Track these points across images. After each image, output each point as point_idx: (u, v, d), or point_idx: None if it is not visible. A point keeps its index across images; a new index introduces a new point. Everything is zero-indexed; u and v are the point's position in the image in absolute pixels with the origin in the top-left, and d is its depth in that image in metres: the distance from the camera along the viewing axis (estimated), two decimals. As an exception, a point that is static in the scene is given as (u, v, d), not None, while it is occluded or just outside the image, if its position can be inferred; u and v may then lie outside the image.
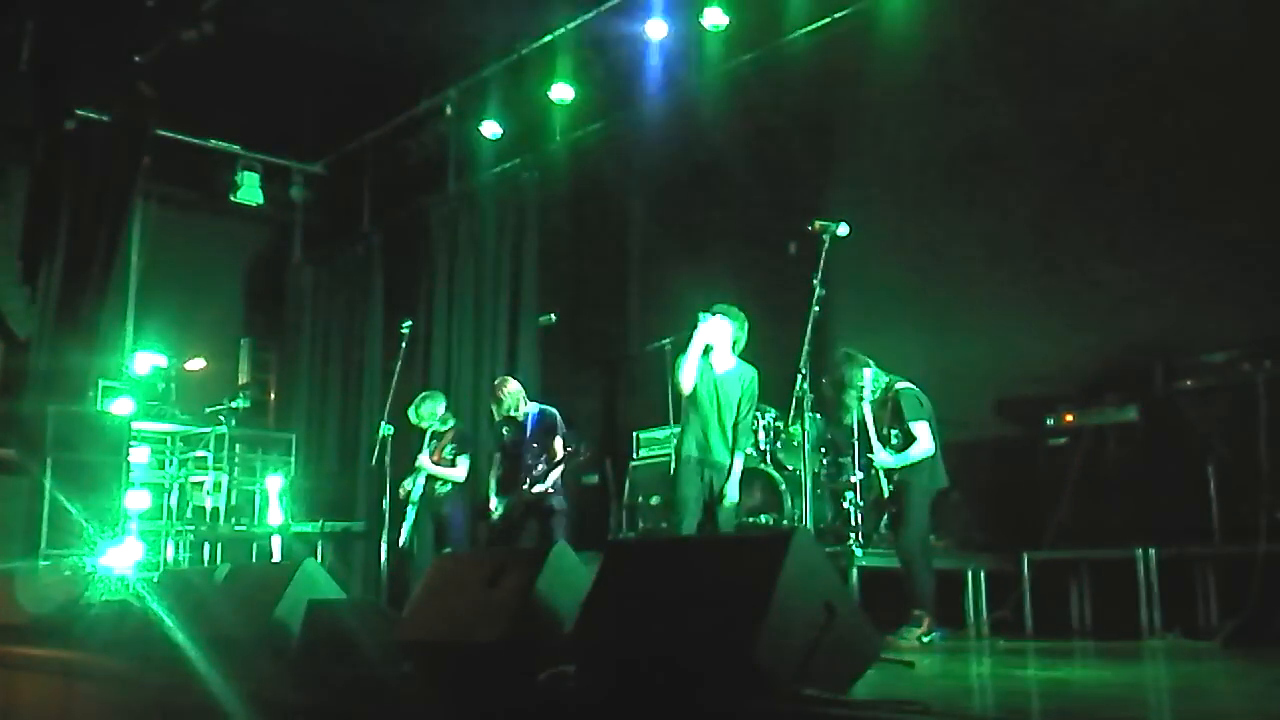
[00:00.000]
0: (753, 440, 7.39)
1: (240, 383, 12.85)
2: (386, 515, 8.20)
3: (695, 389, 6.42)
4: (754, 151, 8.89)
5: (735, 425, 6.40)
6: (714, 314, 6.44)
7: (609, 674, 3.27)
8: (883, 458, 6.30)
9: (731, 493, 6.35)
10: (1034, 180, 7.30)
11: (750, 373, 6.51)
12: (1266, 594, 5.54)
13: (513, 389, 8.06)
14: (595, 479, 8.93)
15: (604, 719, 3.05)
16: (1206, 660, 5.28)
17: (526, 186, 10.84)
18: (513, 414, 7.98)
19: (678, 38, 9.37)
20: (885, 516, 6.55)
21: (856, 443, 6.44)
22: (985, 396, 7.38)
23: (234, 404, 11.00)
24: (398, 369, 8.66)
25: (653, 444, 8.48)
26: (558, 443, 7.83)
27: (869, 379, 6.34)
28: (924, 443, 6.22)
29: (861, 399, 6.31)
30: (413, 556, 8.23)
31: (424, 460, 8.39)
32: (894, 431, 6.35)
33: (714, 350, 6.46)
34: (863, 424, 6.37)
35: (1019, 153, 7.34)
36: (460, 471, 8.41)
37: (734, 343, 6.49)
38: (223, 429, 11.03)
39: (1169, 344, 6.53)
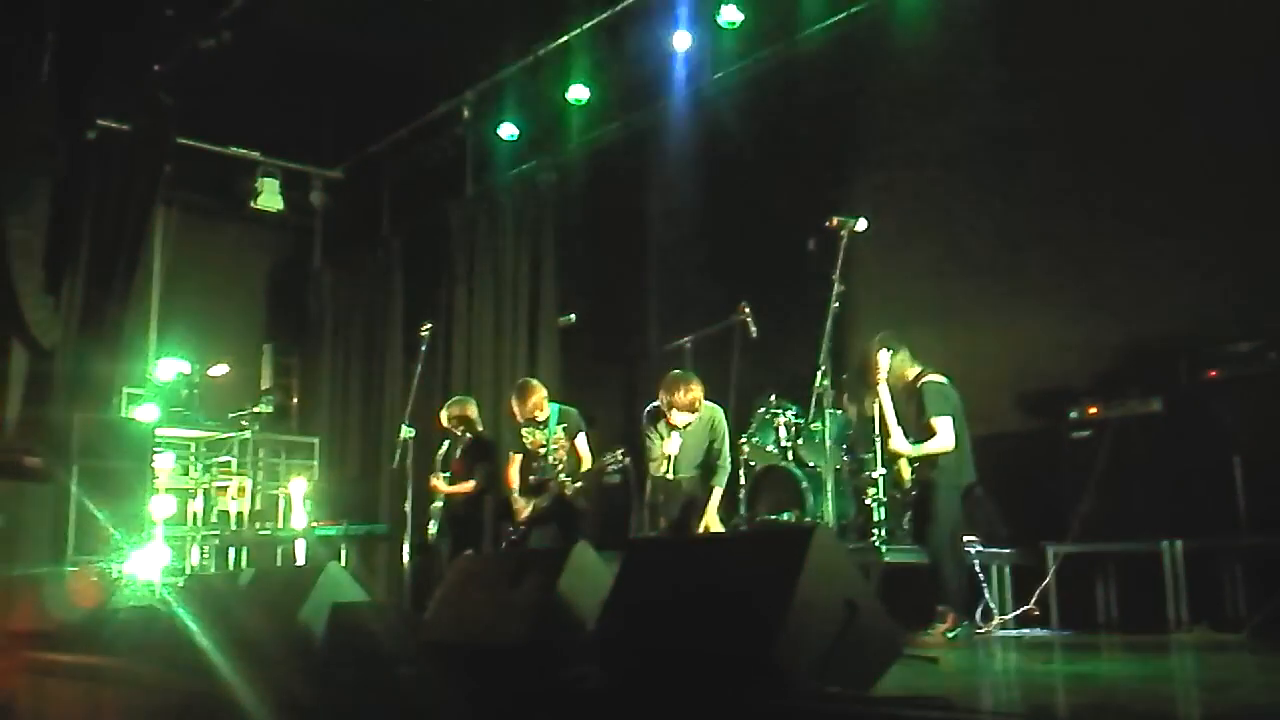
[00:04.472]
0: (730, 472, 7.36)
1: (263, 388, 12.89)
2: (409, 518, 8.22)
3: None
4: (772, 149, 8.87)
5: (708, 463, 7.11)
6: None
7: (631, 673, 3.27)
8: (899, 443, 6.27)
9: (712, 524, 6.97)
10: (1055, 171, 7.25)
11: (714, 415, 7.15)
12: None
13: (535, 390, 8.05)
14: (617, 478, 8.92)
15: (626, 719, 3.04)
16: (1234, 653, 5.23)
17: (545, 188, 10.85)
18: (535, 415, 7.98)
19: (694, 35, 9.35)
20: (908, 513, 6.52)
21: (878, 436, 6.41)
22: (1008, 389, 7.33)
23: (257, 409, 11.03)
24: (419, 372, 8.70)
25: (674, 443, 8.46)
26: (580, 442, 7.86)
27: (885, 361, 6.31)
28: (943, 438, 6.15)
29: (877, 382, 6.30)
30: (438, 556, 8.25)
31: (437, 484, 8.42)
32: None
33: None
34: (882, 412, 6.35)
35: (1038, 144, 7.29)
36: (472, 484, 8.41)
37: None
38: (246, 434, 11.08)
39: (1194, 334, 6.46)
